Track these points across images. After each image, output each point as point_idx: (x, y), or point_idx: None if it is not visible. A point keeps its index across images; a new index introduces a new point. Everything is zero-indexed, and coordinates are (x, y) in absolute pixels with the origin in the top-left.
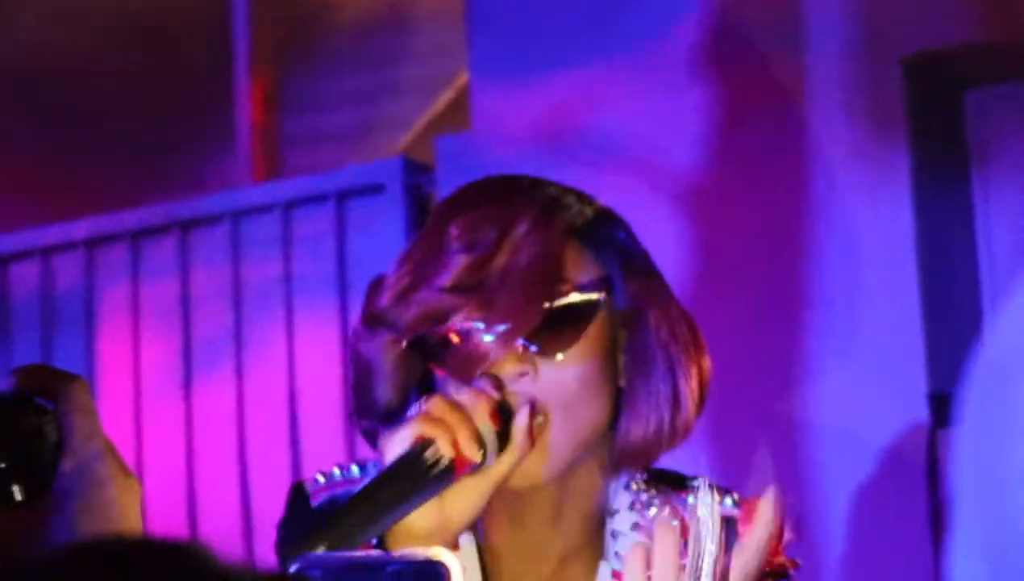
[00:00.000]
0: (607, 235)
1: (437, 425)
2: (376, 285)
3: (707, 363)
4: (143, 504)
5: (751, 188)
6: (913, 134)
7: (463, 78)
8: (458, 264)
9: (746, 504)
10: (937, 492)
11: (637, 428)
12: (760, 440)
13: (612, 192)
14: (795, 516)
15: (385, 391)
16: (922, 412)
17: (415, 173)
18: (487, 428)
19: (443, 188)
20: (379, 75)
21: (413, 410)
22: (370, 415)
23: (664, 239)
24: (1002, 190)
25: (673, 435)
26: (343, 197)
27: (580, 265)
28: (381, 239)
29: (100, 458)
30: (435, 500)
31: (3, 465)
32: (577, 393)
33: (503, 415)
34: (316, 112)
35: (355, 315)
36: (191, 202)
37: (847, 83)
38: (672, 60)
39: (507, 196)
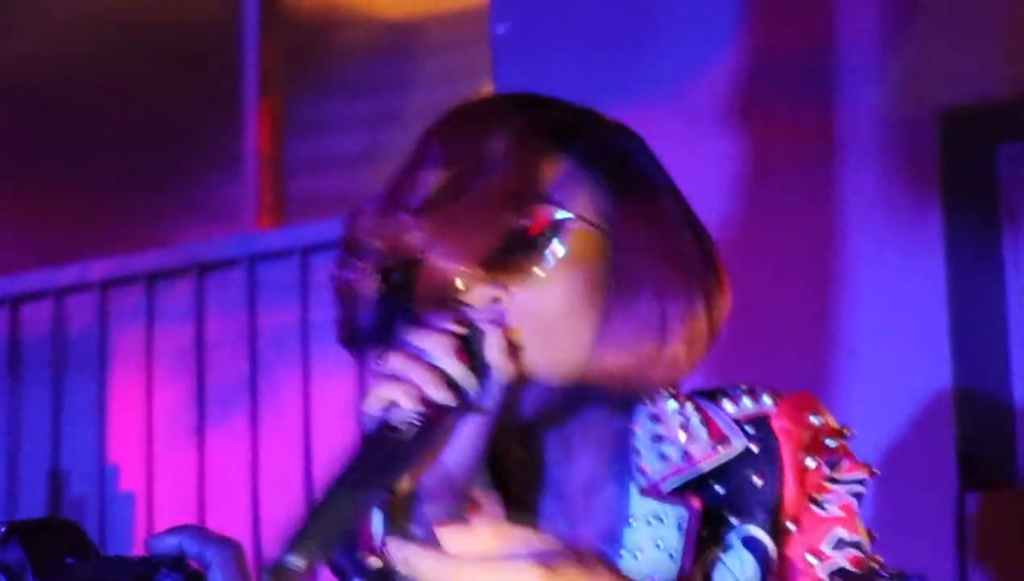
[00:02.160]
0: (604, 153)
1: (396, 384)
2: (356, 209)
3: (720, 297)
4: None
5: (781, 239)
6: (946, 188)
7: None
8: (427, 183)
9: (784, 401)
10: (965, 555)
11: (611, 352)
12: None
13: None
14: None
15: (368, 320)
16: (951, 472)
17: None
18: (455, 367)
19: None
20: (386, 101)
21: (372, 367)
22: (356, 344)
23: None
24: None
25: (656, 364)
26: None
27: (566, 185)
28: None
29: None
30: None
31: None
32: (557, 318)
33: (470, 348)
34: (322, 137)
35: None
36: (207, 245)
37: (881, 135)
38: (701, 107)
39: (495, 111)
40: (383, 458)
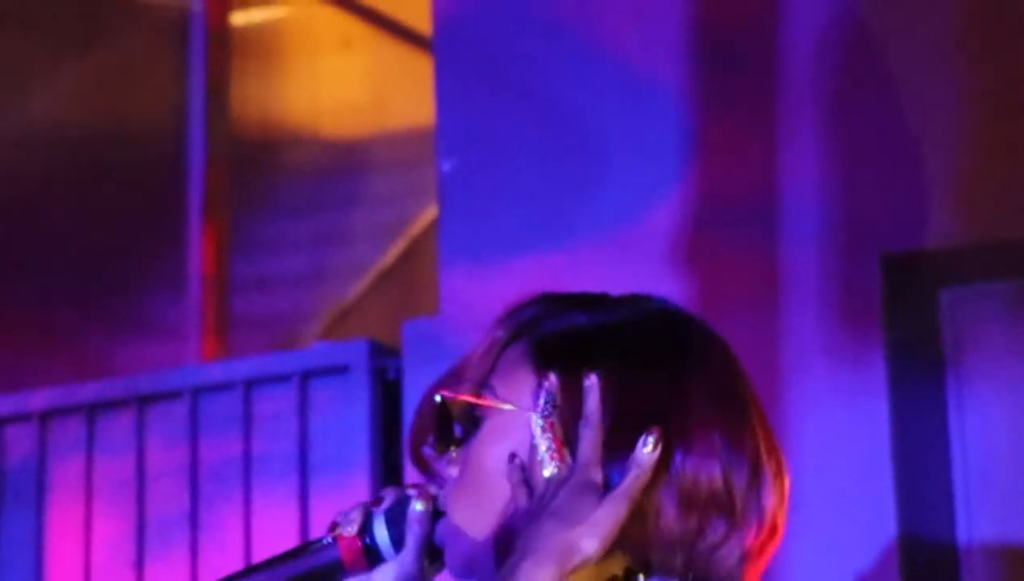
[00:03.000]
0: (546, 345)
1: (344, 515)
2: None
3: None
4: None
5: None
6: (889, 333)
7: (416, 226)
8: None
9: None
10: None
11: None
12: None
13: None
14: None
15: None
16: None
17: (381, 356)
18: (380, 519)
19: (409, 372)
20: (331, 220)
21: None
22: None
23: None
24: (975, 389)
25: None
26: (307, 377)
27: (505, 371)
28: (345, 421)
29: None
30: None
31: None
32: (470, 492)
33: (398, 512)
34: (267, 257)
35: (316, 498)
36: (149, 376)
37: (824, 279)
38: (646, 245)
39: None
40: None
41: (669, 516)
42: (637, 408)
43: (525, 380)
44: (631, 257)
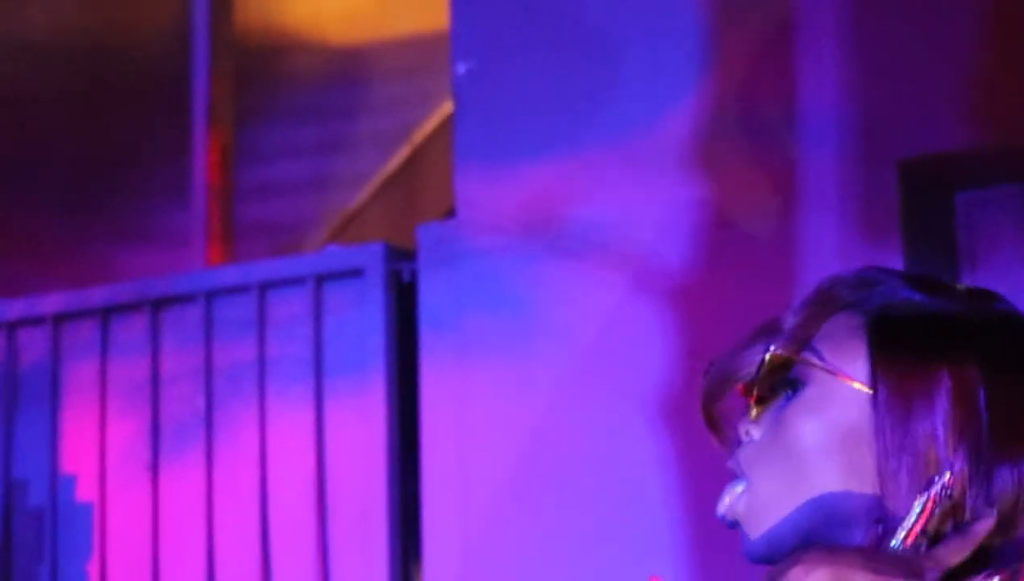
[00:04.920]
0: (890, 321)
1: None
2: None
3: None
4: None
5: (740, 286)
6: (906, 235)
7: (420, 133)
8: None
9: None
10: None
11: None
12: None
13: (596, 285)
14: None
15: None
16: None
17: (396, 259)
18: None
19: (424, 275)
20: (335, 128)
21: None
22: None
23: (648, 335)
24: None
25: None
26: (321, 280)
27: (834, 336)
28: (359, 324)
29: None
30: None
31: None
32: (787, 464)
33: None
34: (271, 165)
35: (330, 401)
36: (163, 279)
37: (841, 183)
38: (661, 153)
39: (829, 279)
40: None
41: None
42: (999, 416)
43: (857, 352)
44: (647, 162)
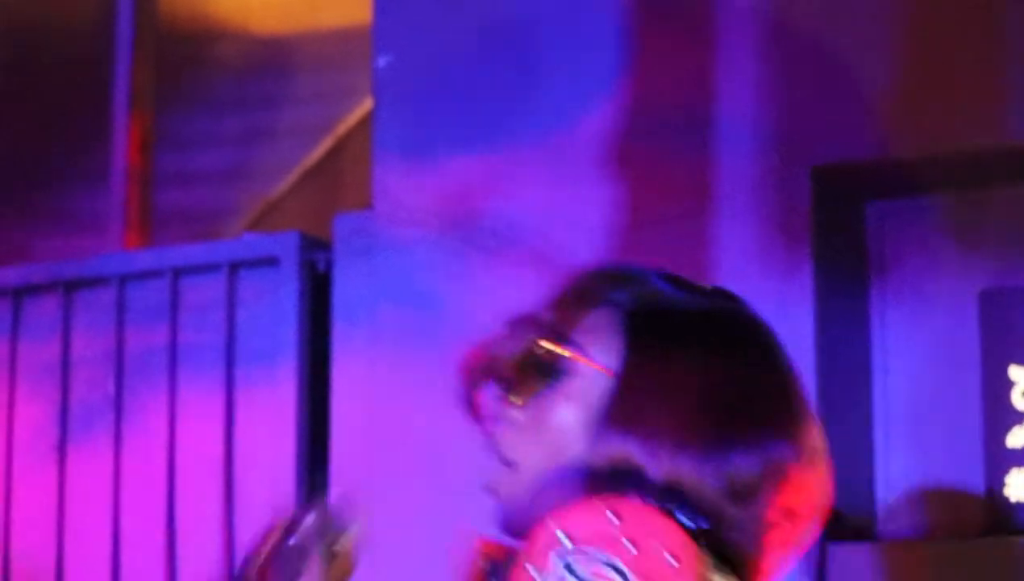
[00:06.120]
0: (641, 309)
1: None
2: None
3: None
4: None
5: None
6: (817, 241)
7: (342, 126)
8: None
9: None
10: None
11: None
12: None
13: (510, 281)
14: None
15: None
16: None
17: (311, 249)
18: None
19: (339, 266)
20: (256, 118)
21: None
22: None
23: None
24: (898, 300)
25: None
26: (236, 268)
27: (592, 330)
28: (272, 313)
29: None
30: None
31: None
32: (548, 447)
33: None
34: (190, 151)
35: (241, 390)
36: (77, 262)
37: (755, 187)
38: (579, 151)
39: (586, 273)
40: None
41: None
42: (737, 403)
43: (614, 345)
44: (564, 160)
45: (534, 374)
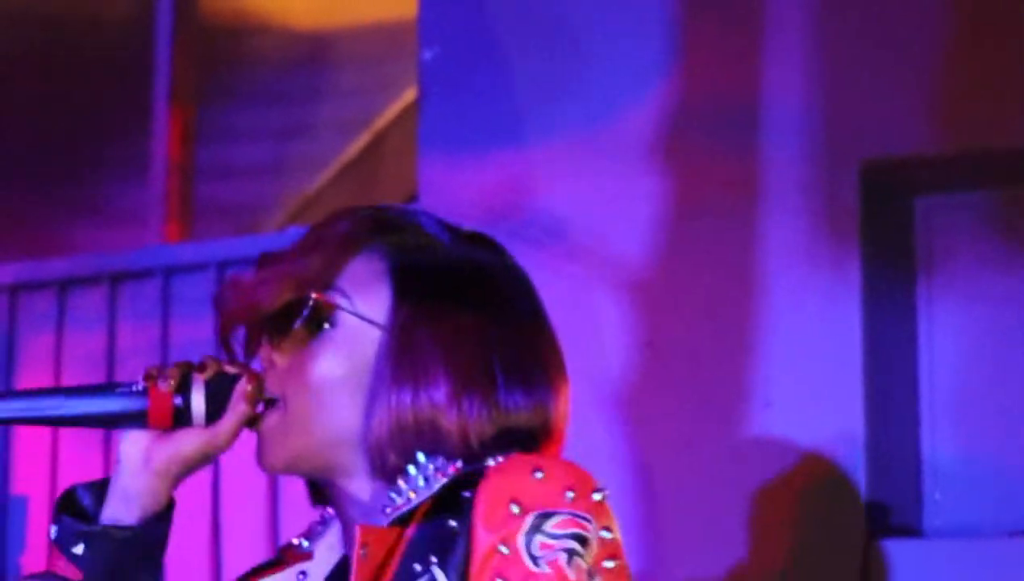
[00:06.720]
0: (411, 263)
1: (159, 369)
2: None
3: (466, 405)
4: None
5: (699, 281)
6: (865, 239)
7: (381, 120)
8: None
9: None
10: None
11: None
12: (697, 531)
13: (556, 274)
14: None
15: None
16: (859, 520)
17: None
18: (199, 386)
19: None
20: (297, 112)
21: None
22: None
23: (608, 327)
24: (945, 297)
25: (376, 451)
26: None
27: (359, 279)
28: None
29: None
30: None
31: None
32: (314, 394)
33: (218, 384)
34: (231, 146)
35: None
36: (122, 255)
37: (802, 182)
38: (625, 145)
39: (348, 214)
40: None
41: None
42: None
43: (382, 297)
44: (609, 153)
45: (299, 324)
